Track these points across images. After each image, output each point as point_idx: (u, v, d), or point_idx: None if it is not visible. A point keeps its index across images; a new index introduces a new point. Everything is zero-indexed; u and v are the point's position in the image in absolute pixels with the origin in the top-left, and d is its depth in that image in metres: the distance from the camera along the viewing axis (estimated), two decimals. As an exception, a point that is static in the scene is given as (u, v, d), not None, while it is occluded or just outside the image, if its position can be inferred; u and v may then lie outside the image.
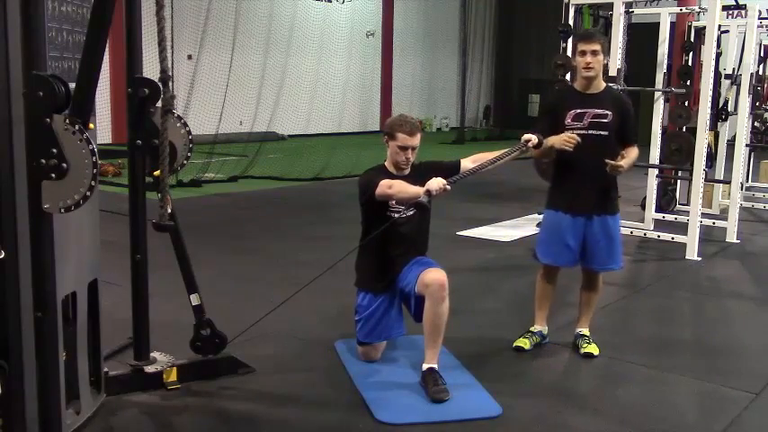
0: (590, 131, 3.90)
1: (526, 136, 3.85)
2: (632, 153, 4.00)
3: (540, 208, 5.62)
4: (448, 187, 3.34)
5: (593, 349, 4.09)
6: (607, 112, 3.91)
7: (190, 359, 3.63)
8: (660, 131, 7.87)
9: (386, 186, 3.54)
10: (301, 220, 8.07)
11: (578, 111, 3.92)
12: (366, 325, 3.79)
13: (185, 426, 3.26)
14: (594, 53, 3.86)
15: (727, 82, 9.24)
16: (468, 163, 3.87)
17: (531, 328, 4.20)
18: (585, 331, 4.20)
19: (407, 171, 3.78)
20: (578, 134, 3.89)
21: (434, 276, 3.53)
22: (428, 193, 3.31)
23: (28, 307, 2.66)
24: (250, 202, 9.29)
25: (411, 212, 3.67)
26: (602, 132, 3.91)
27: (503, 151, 3.79)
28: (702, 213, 7.06)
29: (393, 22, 21.24)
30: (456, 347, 3.97)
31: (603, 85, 4.02)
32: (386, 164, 3.81)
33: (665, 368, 3.98)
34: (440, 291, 3.50)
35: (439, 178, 3.35)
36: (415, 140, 3.69)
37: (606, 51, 3.90)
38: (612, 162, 3.85)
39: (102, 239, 3.26)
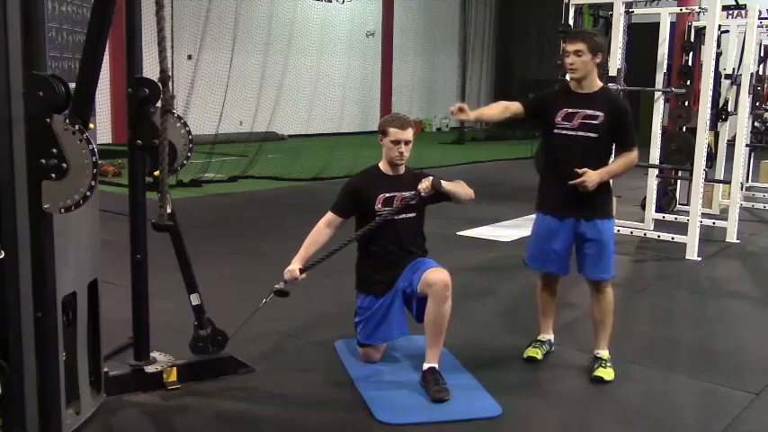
0: (579, 133, 3.71)
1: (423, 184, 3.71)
2: (625, 158, 3.76)
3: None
4: (300, 277, 3.64)
5: (605, 374, 3.74)
6: (598, 113, 3.68)
7: (190, 359, 3.63)
8: (660, 131, 7.86)
9: None
10: (301, 220, 7.98)
11: (570, 110, 3.73)
12: (366, 327, 3.78)
13: (185, 426, 3.25)
14: (578, 53, 3.63)
15: (727, 82, 9.24)
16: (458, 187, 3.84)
17: (540, 337, 4.08)
18: (603, 354, 3.85)
19: (403, 169, 3.80)
20: (567, 135, 3.72)
21: (438, 276, 3.54)
22: (284, 280, 3.65)
23: (28, 307, 2.66)
24: (250, 202, 9.29)
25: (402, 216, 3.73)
26: (592, 134, 3.69)
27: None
28: (702, 213, 7.05)
29: (393, 22, 21.25)
30: (456, 347, 3.97)
31: (599, 84, 3.78)
32: (380, 164, 3.82)
33: (665, 368, 3.98)
34: (443, 290, 3.51)
35: (294, 267, 3.67)
36: (407, 134, 3.70)
37: (594, 50, 3.65)
38: (572, 182, 3.64)
39: (102, 239, 3.26)
